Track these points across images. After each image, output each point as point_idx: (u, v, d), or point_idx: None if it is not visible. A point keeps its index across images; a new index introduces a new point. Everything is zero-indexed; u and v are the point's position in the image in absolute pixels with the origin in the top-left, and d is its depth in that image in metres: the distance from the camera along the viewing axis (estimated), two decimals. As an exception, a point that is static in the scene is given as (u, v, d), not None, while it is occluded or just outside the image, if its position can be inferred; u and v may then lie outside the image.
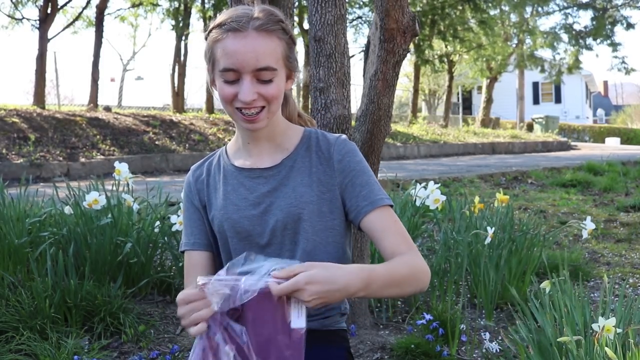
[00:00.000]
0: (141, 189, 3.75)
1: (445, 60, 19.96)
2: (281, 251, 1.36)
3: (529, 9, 19.92)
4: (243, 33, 1.27)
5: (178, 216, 3.09)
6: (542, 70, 20.56)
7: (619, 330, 1.77)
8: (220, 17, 1.32)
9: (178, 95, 15.77)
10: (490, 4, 17.00)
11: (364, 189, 1.35)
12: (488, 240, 2.95)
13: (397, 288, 1.26)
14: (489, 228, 2.96)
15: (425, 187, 3.40)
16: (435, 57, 19.18)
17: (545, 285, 2.28)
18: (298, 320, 1.10)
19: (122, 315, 2.69)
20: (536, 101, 33.97)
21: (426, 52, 18.00)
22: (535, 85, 33.39)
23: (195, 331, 1.14)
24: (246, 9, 1.30)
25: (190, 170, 1.50)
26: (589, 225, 3.09)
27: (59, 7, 13.20)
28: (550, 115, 22.87)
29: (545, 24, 79.93)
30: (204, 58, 1.37)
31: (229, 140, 1.52)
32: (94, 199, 2.99)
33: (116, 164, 3.30)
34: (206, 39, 1.35)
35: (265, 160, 1.40)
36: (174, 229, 3.07)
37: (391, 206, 1.36)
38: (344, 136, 1.42)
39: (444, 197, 3.26)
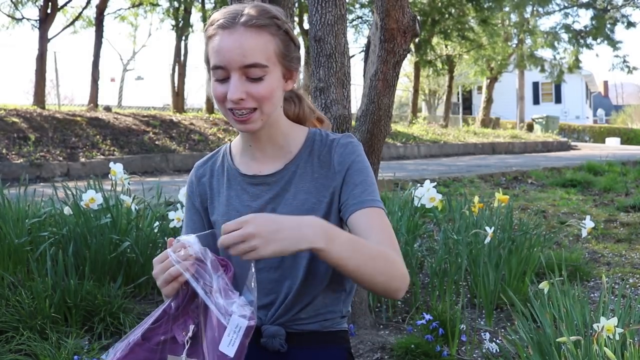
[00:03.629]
0: (141, 189, 3.75)
1: (446, 61, 19.97)
2: (283, 259, 1.33)
3: (529, 9, 19.92)
4: (231, 29, 1.24)
5: (175, 211, 3.07)
6: (543, 70, 20.55)
7: (619, 330, 1.77)
8: (213, 16, 1.30)
9: (178, 95, 15.77)
10: (492, 4, 17.00)
11: (356, 188, 1.31)
12: (488, 240, 2.95)
13: (365, 265, 1.18)
14: (487, 228, 2.96)
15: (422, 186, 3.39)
16: (437, 58, 19.17)
17: (544, 285, 2.27)
18: (228, 347, 1.09)
19: (122, 315, 2.69)
20: (536, 101, 33.97)
21: (428, 52, 18.00)
22: (536, 85, 33.38)
23: (167, 291, 1.12)
24: (239, 7, 1.27)
25: (194, 167, 1.47)
26: (588, 224, 3.08)
27: (59, 7, 13.20)
28: (550, 115, 22.87)
29: (545, 23, 80.00)
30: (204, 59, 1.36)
31: (229, 140, 1.49)
32: (91, 198, 2.99)
33: (111, 164, 3.29)
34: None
35: (268, 165, 1.37)
36: (171, 225, 3.06)
37: (383, 211, 1.32)
38: (346, 137, 1.37)
39: (440, 195, 3.25)
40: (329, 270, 1.36)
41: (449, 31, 17.11)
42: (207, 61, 1.31)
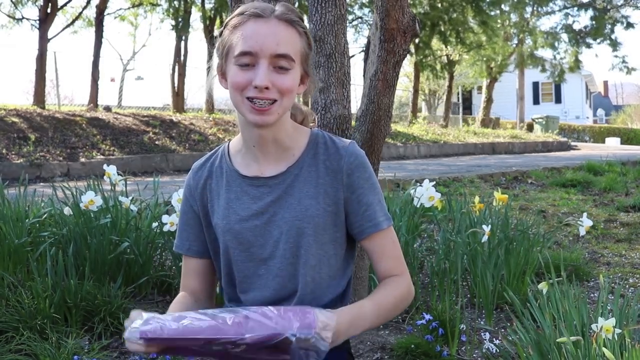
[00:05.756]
0: (141, 189, 3.75)
1: (446, 64, 19.96)
2: (282, 264, 1.32)
3: (529, 9, 19.92)
4: (265, 19, 1.25)
5: (169, 215, 3.06)
6: (543, 70, 20.54)
7: (617, 331, 1.77)
8: (240, 8, 1.29)
9: (178, 95, 15.77)
10: (491, 5, 16.99)
11: (368, 209, 1.32)
12: (485, 238, 2.95)
13: (383, 319, 1.32)
14: (484, 226, 2.95)
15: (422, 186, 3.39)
16: (437, 60, 19.16)
17: (543, 286, 2.27)
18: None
19: (122, 315, 2.69)
20: (536, 101, 33.96)
21: (428, 55, 18.00)
22: (536, 85, 33.38)
23: None
24: (267, 4, 1.29)
25: (191, 170, 1.44)
26: (585, 222, 3.08)
27: (58, 7, 13.20)
28: (550, 116, 22.86)
29: (545, 23, 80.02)
30: (215, 52, 1.32)
31: (229, 140, 1.47)
32: (90, 200, 2.98)
33: (105, 166, 3.29)
34: (221, 34, 1.30)
35: (270, 166, 1.34)
36: (165, 229, 3.05)
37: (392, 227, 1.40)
38: (354, 146, 1.36)
39: (439, 195, 3.25)
40: (331, 278, 1.35)
41: (448, 34, 17.08)
42: (225, 49, 1.28)
